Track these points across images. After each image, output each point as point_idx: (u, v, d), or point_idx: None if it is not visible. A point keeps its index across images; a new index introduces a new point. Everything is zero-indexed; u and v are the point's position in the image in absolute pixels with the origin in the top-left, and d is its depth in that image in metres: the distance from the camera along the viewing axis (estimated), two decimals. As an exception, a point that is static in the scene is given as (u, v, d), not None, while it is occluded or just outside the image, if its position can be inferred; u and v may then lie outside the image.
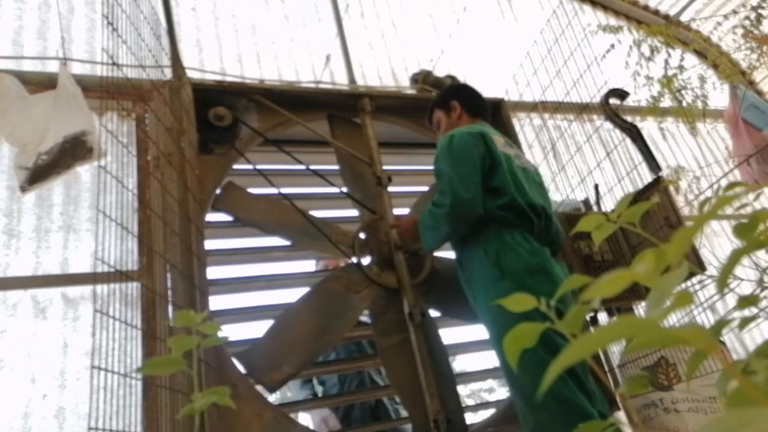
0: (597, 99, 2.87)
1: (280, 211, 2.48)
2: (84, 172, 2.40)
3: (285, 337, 2.21)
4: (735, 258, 0.52)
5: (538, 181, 2.28)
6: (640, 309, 2.62)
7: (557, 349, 1.78)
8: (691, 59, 4.42)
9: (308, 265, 3.20)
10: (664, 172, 3.71)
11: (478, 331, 3.16)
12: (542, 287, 1.84)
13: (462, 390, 3.48)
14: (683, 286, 2.22)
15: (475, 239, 2.05)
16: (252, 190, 2.53)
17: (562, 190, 2.92)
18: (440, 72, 3.28)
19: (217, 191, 2.38)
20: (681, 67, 3.73)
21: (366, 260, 2.48)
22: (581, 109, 2.95)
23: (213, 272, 2.53)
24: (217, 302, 2.44)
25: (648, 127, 4.18)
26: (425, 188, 2.90)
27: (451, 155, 2.10)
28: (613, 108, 3.65)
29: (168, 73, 2.32)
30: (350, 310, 2.33)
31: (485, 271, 1.98)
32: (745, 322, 0.73)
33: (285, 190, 2.57)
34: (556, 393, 1.75)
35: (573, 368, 1.79)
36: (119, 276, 1.79)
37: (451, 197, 2.01)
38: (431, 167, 2.28)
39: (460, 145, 2.11)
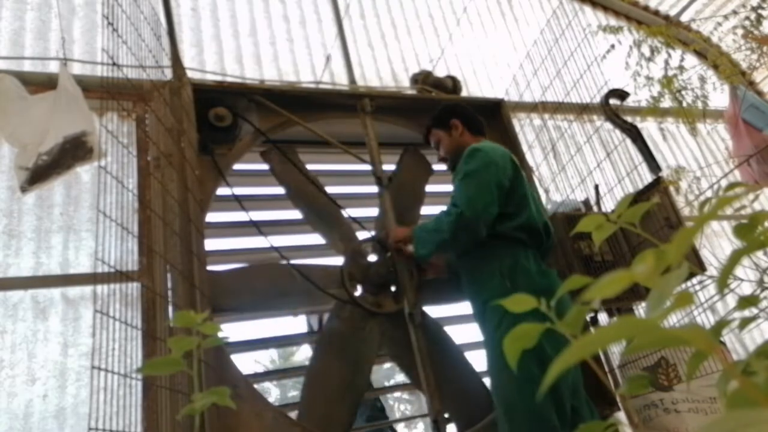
0: (597, 99, 2.87)
1: (308, 190, 2.52)
2: (84, 172, 2.40)
3: (322, 394, 2.20)
4: (735, 258, 0.52)
5: (539, 200, 2.38)
6: (640, 309, 2.62)
7: (546, 363, 1.81)
8: (691, 60, 4.42)
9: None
10: (665, 173, 3.71)
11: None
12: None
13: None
14: (683, 286, 2.23)
15: (491, 254, 2.10)
16: (250, 190, 2.54)
17: (562, 190, 2.92)
18: (440, 72, 3.29)
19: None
20: (681, 68, 3.73)
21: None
22: (581, 110, 2.95)
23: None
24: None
25: (648, 127, 4.18)
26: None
27: (476, 170, 2.12)
28: (613, 108, 3.65)
29: (168, 74, 2.32)
30: (366, 346, 2.32)
31: (496, 286, 2.04)
32: (745, 323, 0.73)
33: (282, 190, 2.57)
34: (533, 408, 1.80)
35: (560, 395, 1.83)
36: (119, 276, 1.79)
37: (466, 208, 2.04)
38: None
39: (487, 160, 2.14)
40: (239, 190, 2.92)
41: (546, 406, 1.81)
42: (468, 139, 2.36)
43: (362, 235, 2.53)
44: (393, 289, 2.43)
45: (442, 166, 2.52)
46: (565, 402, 1.86)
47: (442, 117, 2.44)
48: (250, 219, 2.38)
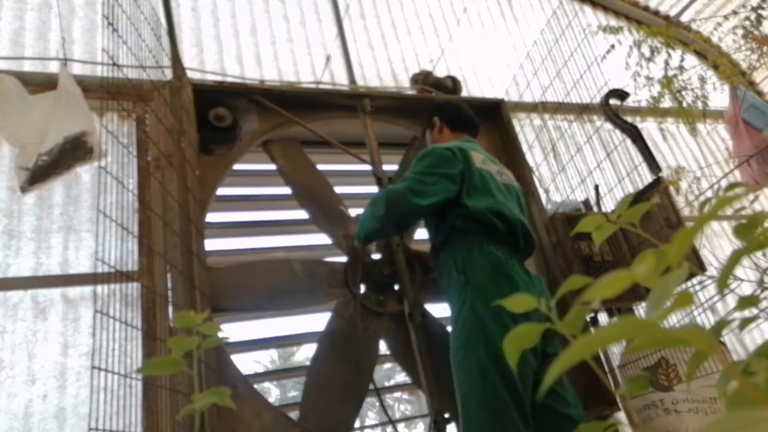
0: (597, 99, 2.87)
1: (316, 185, 2.52)
2: (84, 172, 2.40)
3: (324, 395, 2.20)
4: (735, 259, 0.52)
5: (519, 198, 2.29)
6: (640, 309, 2.62)
7: (502, 361, 1.77)
8: (691, 60, 4.42)
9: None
10: (665, 173, 3.71)
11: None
12: (504, 293, 1.85)
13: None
14: (683, 286, 2.23)
15: (449, 249, 2.08)
16: (250, 190, 2.54)
17: (562, 190, 2.92)
18: (440, 72, 3.29)
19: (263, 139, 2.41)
20: (681, 68, 3.73)
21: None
22: (581, 110, 2.95)
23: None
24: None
25: (648, 127, 4.18)
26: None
27: (421, 164, 2.12)
28: (613, 108, 3.65)
29: (168, 74, 2.32)
30: (368, 346, 2.32)
31: (455, 280, 2.01)
32: (745, 323, 0.73)
33: (282, 191, 2.58)
34: (490, 405, 1.76)
35: (514, 385, 1.78)
36: (119, 276, 1.79)
37: (401, 193, 2.02)
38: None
39: (434, 158, 2.13)
40: (239, 190, 2.93)
41: (500, 396, 1.76)
42: (445, 137, 2.38)
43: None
44: (397, 288, 2.43)
45: None
46: (522, 392, 1.80)
47: (430, 113, 2.52)
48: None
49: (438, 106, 2.56)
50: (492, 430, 1.74)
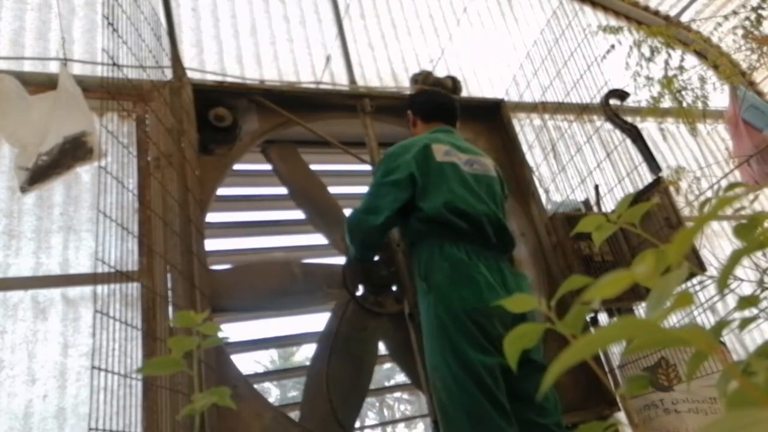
0: (597, 100, 2.87)
1: (312, 189, 2.53)
2: (84, 172, 2.40)
3: (324, 395, 2.19)
4: (735, 259, 0.52)
5: (493, 188, 2.16)
6: (640, 309, 2.62)
7: (469, 365, 1.75)
8: (691, 60, 4.42)
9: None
10: (665, 173, 3.71)
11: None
12: (464, 296, 1.84)
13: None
14: (683, 286, 2.23)
15: (413, 254, 2.07)
16: (250, 191, 2.54)
17: (562, 190, 2.92)
18: (440, 72, 3.28)
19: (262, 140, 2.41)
20: (681, 68, 3.73)
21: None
22: (581, 110, 2.95)
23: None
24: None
25: (648, 127, 4.18)
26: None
27: (378, 173, 2.13)
28: (613, 108, 3.65)
29: (168, 74, 2.32)
30: (368, 347, 2.32)
31: (419, 286, 1.99)
32: (745, 323, 0.73)
33: (282, 191, 2.58)
34: (468, 410, 1.74)
35: (487, 386, 1.75)
36: (119, 276, 1.79)
37: (357, 218, 2.08)
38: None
39: (386, 165, 2.12)
40: (239, 190, 2.93)
41: (475, 399, 1.74)
42: (418, 130, 2.36)
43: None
44: (395, 288, 2.43)
45: None
46: (498, 396, 1.76)
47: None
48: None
49: (410, 99, 2.52)
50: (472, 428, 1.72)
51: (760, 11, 3.53)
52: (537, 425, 1.83)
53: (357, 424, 2.36)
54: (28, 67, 2.56)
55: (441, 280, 1.89)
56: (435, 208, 1.97)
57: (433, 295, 1.89)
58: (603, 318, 2.63)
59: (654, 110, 3.77)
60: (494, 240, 2.01)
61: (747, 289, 2.01)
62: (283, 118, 2.54)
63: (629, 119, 3.74)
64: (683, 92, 3.72)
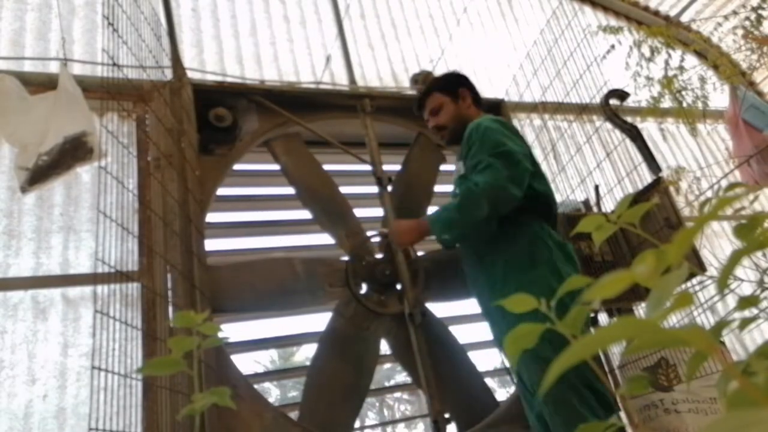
0: (597, 100, 2.87)
1: (319, 183, 2.52)
2: (84, 172, 2.40)
3: (324, 395, 2.20)
4: (735, 259, 0.52)
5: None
6: (640, 309, 2.62)
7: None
8: (691, 60, 4.42)
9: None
10: (665, 173, 3.71)
11: (480, 331, 3.16)
12: (569, 274, 1.92)
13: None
14: (683, 286, 2.23)
15: (512, 229, 2.00)
16: (250, 191, 2.54)
17: (562, 190, 2.92)
18: (440, 72, 3.28)
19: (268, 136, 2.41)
20: (681, 68, 3.73)
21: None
22: (581, 110, 2.95)
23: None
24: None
25: (648, 127, 4.18)
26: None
27: (495, 137, 1.96)
28: (613, 108, 3.65)
29: (168, 74, 2.32)
30: (369, 346, 2.32)
31: (518, 264, 1.96)
32: (745, 323, 0.73)
33: (282, 191, 2.57)
34: (582, 377, 1.78)
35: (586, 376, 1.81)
36: (119, 276, 1.79)
37: (501, 172, 1.88)
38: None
39: (507, 131, 2.06)
40: (239, 190, 2.93)
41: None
42: (474, 113, 2.23)
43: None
44: (399, 287, 2.42)
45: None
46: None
47: (450, 82, 2.27)
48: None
49: (463, 77, 2.34)
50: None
51: (760, 11, 3.52)
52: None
53: (357, 424, 2.36)
54: (28, 67, 2.56)
55: (550, 257, 1.95)
56: (541, 190, 2.08)
57: (541, 270, 1.92)
58: (603, 318, 2.63)
59: (654, 110, 3.77)
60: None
61: (747, 289, 2.01)
62: (283, 118, 2.54)
63: (629, 119, 3.75)
64: (683, 92, 3.72)
